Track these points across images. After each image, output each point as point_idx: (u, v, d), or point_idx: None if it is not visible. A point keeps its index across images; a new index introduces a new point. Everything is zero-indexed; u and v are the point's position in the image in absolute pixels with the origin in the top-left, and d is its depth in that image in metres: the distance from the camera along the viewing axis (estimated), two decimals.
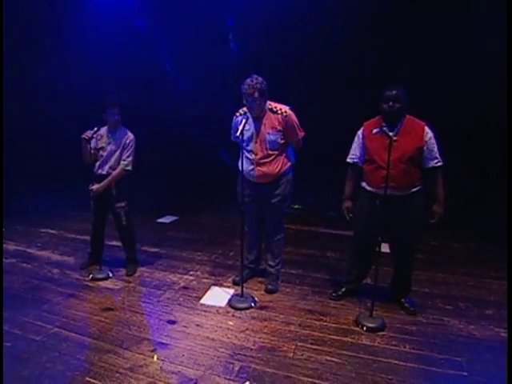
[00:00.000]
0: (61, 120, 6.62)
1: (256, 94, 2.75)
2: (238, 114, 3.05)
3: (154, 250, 4.05)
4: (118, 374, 2.16)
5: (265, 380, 2.12)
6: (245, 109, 2.95)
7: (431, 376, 2.17)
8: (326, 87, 5.73)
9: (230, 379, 2.12)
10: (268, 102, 2.90)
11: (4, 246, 4.22)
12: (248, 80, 2.78)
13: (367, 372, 2.19)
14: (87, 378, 2.14)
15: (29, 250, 4.11)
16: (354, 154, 2.80)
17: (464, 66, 5.29)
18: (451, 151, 5.52)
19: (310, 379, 2.13)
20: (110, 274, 3.42)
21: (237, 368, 2.21)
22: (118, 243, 3.86)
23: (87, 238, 4.45)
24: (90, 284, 3.30)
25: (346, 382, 2.11)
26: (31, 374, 2.17)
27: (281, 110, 2.89)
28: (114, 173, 3.25)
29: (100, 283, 3.31)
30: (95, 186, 3.25)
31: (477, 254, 4.14)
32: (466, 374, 2.19)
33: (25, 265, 3.73)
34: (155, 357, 2.31)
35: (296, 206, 5.76)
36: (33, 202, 6.13)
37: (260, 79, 2.79)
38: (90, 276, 3.39)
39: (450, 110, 5.50)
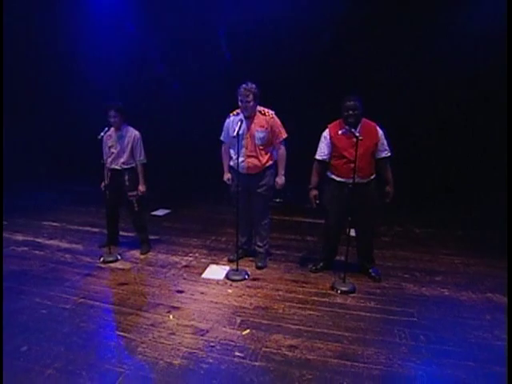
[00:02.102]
0: (57, 120, 6.97)
1: (250, 97, 3.34)
2: (231, 114, 3.60)
3: (153, 237, 4.50)
4: (142, 329, 2.67)
5: (261, 328, 2.68)
6: (238, 110, 3.51)
7: (389, 321, 2.79)
8: (305, 91, 6.31)
9: (234, 328, 2.67)
10: (258, 106, 3.47)
11: (12, 236, 4.59)
12: (244, 85, 3.37)
13: (341, 320, 2.79)
14: (117, 332, 2.64)
15: (37, 240, 4.50)
16: (322, 152, 3.34)
17: (463, 60, 5.83)
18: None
19: (297, 326, 2.71)
20: (119, 257, 3.89)
21: (238, 321, 2.77)
22: (123, 233, 4.35)
23: (89, 228, 4.95)
24: (102, 266, 3.76)
25: (324, 327, 2.70)
26: (70, 331, 2.64)
27: (268, 112, 3.50)
28: (140, 170, 3.85)
29: (111, 265, 3.78)
30: (141, 188, 3.82)
31: (434, 237, 4.84)
32: (415, 319, 2.83)
33: (37, 252, 4.13)
34: (171, 316, 2.83)
35: (278, 200, 6.34)
36: (29, 198, 6.43)
37: (254, 85, 3.38)
38: (101, 259, 3.84)
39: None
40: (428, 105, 6.34)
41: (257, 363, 2.31)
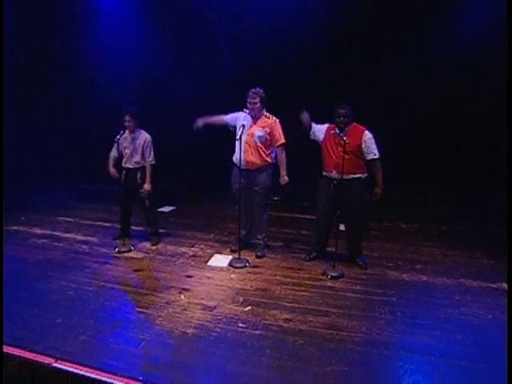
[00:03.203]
0: (68, 123, 7.41)
1: (257, 99, 3.81)
2: (244, 109, 3.99)
3: (161, 231, 4.88)
4: (158, 306, 3.09)
5: (261, 305, 3.11)
6: (247, 110, 3.95)
7: (372, 301, 3.23)
8: (303, 97, 6.73)
9: (237, 305, 3.10)
10: (265, 112, 3.93)
11: (31, 230, 5.00)
12: (252, 89, 3.84)
13: (330, 299, 3.23)
14: (137, 309, 3.06)
15: (55, 233, 4.90)
16: (318, 125, 3.85)
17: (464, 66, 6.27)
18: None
19: (291, 304, 3.14)
20: (132, 248, 4.31)
21: (241, 300, 3.20)
22: (133, 227, 4.76)
23: (101, 223, 5.36)
24: (117, 255, 4.18)
25: (315, 305, 3.14)
26: (96, 308, 3.06)
27: (272, 118, 3.96)
28: (148, 169, 4.22)
29: (125, 254, 4.19)
30: (147, 186, 4.18)
31: (419, 231, 5.26)
32: (395, 299, 3.27)
33: (57, 243, 4.54)
34: (182, 296, 3.25)
35: (276, 198, 6.75)
36: (41, 196, 6.81)
37: (261, 90, 3.86)
38: (116, 249, 4.26)
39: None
40: (419, 107, 6.78)
41: (257, 332, 2.74)
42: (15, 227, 5.09)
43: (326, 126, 3.82)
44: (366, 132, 3.65)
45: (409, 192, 6.81)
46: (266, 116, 3.93)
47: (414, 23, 6.28)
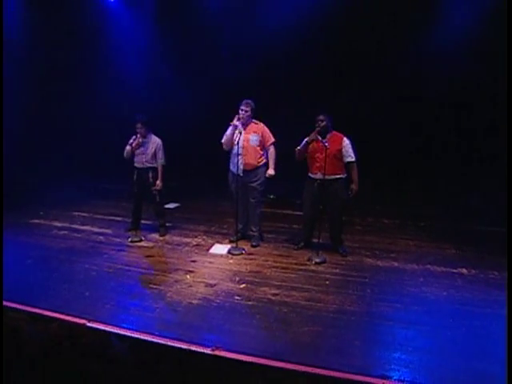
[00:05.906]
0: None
1: (248, 108, 4.46)
2: (231, 123, 4.61)
3: (168, 224, 5.48)
4: (168, 283, 3.70)
5: (254, 283, 3.72)
6: (235, 119, 4.54)
7: (347, 281, 3.83)
8: (296, 106, 7.35)
9: (234, 283, 3.71)
10: (253, 119, 4.54)
11: (51, 223, 5.62)
12: (244, 101, 4.49)
13: (312, 279, 3.83)
14: (150, 285, 3.68)
15: (73, 226, 5.51)
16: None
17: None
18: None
19: (279, 283, 3.75)
20: (143, 238, 4.92)
21: (237, 279, 3.81)
22: (143, 221, 5.36)
23: (113, 217, 5.96)
24: (130, 244, 4.79)
25: (299, 283, 3.74)
26: (116, 284, 3.68)
27: (259, 123, 4.62)
28: (159, 169, 4.83)
29: (137, 243, 4.80)
30: (160, 183, 4.80)
31: (399, 226, 5.85)
32: (367, 280, 3.87)
33: (76, 234, 5.15)
34: (188, 276, 3.86)
35: (271, 196, 7.35)
36: (56, 194, 7.41)
37: (251, 101, 4.51)
38: (129, 239, 4.87)
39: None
40: (403, 109, 7.33)
41: (250, 303, 3.35)
42: (36, 220, 5.71)
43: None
44: (345, 138, 4.27)
45: (394, 191, 7.39)
46: (254, 122, 4.58)
47: (404, 23, 6.73)
